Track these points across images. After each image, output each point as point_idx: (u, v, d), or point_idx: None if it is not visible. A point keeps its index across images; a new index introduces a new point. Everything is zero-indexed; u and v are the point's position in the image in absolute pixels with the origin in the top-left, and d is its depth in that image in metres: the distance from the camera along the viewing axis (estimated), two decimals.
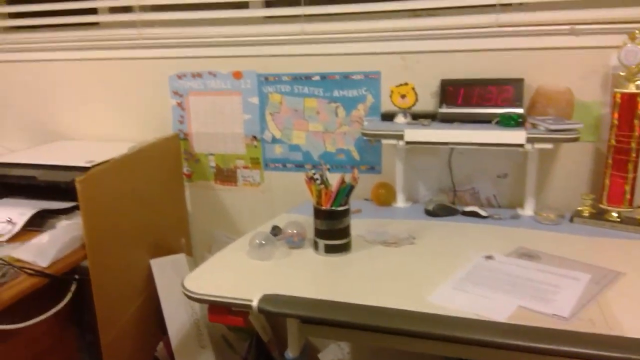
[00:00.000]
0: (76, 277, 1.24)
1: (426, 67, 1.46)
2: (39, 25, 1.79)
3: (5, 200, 1.48)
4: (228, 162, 1.70)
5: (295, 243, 1.20)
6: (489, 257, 1.09)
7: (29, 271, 1.15)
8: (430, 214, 1.37)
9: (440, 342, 0.94)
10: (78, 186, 1.20)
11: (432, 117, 1.41)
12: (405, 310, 0.90)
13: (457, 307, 0.90)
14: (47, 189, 1.41)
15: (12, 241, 1.27)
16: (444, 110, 1.39)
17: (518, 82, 1.35)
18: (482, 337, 0.83)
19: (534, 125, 1.29)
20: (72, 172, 1.36)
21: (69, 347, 1.35)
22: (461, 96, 1.39)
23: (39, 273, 1.15)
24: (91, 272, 1.22)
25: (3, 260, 1.14)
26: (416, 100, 1.41)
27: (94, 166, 1.32)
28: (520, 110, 1.33)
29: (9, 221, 1.31)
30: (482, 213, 1.35)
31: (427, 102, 1.48)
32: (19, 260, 1.18)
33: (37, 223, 1.35)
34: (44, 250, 1.20)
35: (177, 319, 1.42)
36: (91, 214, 1.24)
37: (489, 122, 1.35)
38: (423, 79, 1.46)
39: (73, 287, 1.23)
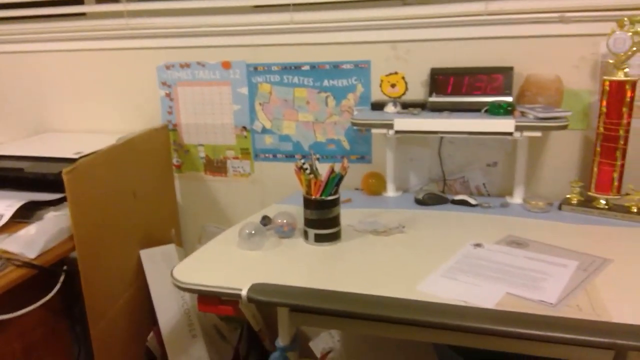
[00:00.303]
0: (65, 268, 1.24)
1: (416, 56, 1.46)
2: (26, 16, 1.76)
3: None
4: (218, 153, 1.69)
5: (285, 233, 1.19)
6: (478, 245, 1.09)
7: (17, 263, 1.14)
8: (420, 203, 1.37)
9: (429, 329, 0.95)
10: (65, 177, 1.19)
11: (422, 106, 1.40)
12: (395, 298, 0.90)
13: (445, 295, 0.90)
14: (35, 180, 1.40)
15: None
16: (434, 99, 1.39)
17: (507, 71, 1.35)
18: (470, 324, 0.83)
19: (523, 114, 1.29)
20: (59, 164, 1.34)
21: (61, 338, 1.35)
22: (451, 85, 1.39)
23: (27, 264, 1.15)
24: (80, 264, 1.21)
25: None
26: (406, 89, 1.41)
27: (81, 157, 1.30)
28: (509, 99, 1.33)
29: None
30: (472, 202, 1.35)
31: (418, 91, 1.47)
32: (6, 252, 1.17)
33: (25, 215, 1.33)
34: (32, 241, 1.19)
35: (168, 309, 1.42)
36: (79, 205, 1.23)
37: (478, 110, 1.35)
38: (413, 68, 1.46)
39: (61, 279, 1.23)
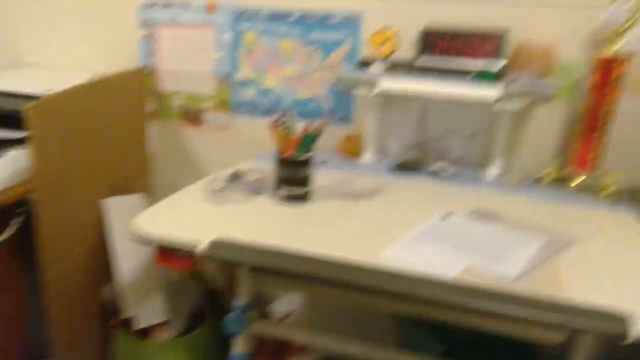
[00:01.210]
0: (21, 209, 1.20)
1: (411, 13, 1.38)
2: None
3: None
4: (195, 103, 1.63)
5: (254, 190, 1.16)
6: (447, 216, 1.07)
7: None
8: (397, 169, 1.34)
9: (382, 298, 0.94)
10: (29, 114, 1.14)
11: (410, 67, 1.34)
12: (350, 262, 0.88)
13: (407, 263, 0.88)
14: None
15: None
16: (422, 60, 1.33)
17: (500, 37, 1.29)
18: (419, 293, 0.82)
19: (510, 83, 1.24)
20: (24, 100, 1.28)
21: (15, 282, 1.33)
22: (442, 46, 1.32)
23: None
24: (38, 206, 1.18)
25: None
26: (396, 48, 1.34)
27: (48, 95, 1.24)
28: (499, 66, 1.28)
29: None
30: (449, 171, 1.32)
31: (409, 51, 1.41)
32: None
33: None
34: None
35: (127, 261, 1.38)
36: (42, 144, 1.18)
37: (467, 75, 1.29)
38: (406, 26, 1.38)
39: (19, 219, 1.19)
